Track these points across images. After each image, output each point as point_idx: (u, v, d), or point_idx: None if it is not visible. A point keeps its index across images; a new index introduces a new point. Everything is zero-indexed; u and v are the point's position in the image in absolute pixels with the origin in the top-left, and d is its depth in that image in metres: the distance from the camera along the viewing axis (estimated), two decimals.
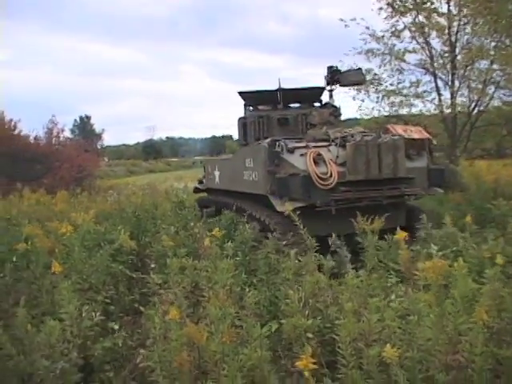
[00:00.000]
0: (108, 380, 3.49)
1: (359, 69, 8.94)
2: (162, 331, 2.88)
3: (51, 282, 4.37)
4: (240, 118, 9.52)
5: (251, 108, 9.63)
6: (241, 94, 9.50)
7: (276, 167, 6.10)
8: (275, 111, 9.22)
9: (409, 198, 6.56)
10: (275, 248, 4.69)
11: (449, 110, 15.10)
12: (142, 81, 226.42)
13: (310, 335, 3.11)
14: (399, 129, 6.86)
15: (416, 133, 6.82)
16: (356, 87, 14.96)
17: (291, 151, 6.17)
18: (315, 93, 9.41)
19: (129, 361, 3.75)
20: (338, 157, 6.15)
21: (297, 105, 9.57)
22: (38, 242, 4.92)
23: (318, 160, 6.03)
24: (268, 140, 6.38)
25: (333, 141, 6.48)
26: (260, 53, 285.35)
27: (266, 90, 9.35)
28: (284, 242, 4.89)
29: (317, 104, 9.50)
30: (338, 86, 8.79)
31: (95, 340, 3.65)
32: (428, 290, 2.98)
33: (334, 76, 8.57)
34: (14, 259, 5.06)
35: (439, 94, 15.52)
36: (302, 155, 6.11)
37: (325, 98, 9.31)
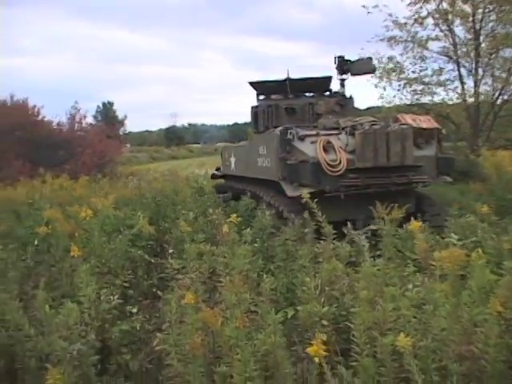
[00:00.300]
0: (125, 363, 3.54)
1: (369, 58, 8.96)
2: (177, 315, 2.91)
3: (71, 266, 4.43)
4: (252, 107, 9.76)
5: (262, 97, 9.82)
6: (251, 84, 9.72)
7: (287, 154, 6.32)
8: (284, 101, 9.43)
9: (417, 186, 6.68)
10: (293, 235, 4.72)
11: (472, 99, 14.91)
12: (164, 67, 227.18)
13: (325, 322, 3.11)
14: (408, 118, 6.95)
15: (425, 122, 6.90)
16: (373, 75, 14.91)
17: (302, 139, 6.37)
18: (323, 82, 9.55)
19: (146, 344, 3.80)
20: (347, 145, 6.30)
21: (310, 94, 9.68)
22: (58, 226, 4.98)
23: (327, 147, 6.19)
24: (280, 128, 6.57)
25: (343, 129, 6.63)
26: (283, 40, 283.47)
27: (275, 80, 9.59)
28: (306, 230, 4.92)
29: (327, 93, 9.62)
30: (349, 75, 8.88)
31: (113, 323, 3.71)
32: (445, 279, 2.96)
33: (343, 66, 8.71)
34: (36, 242, 5.14)
35: (462, 83, 15.33)
36: (312, 143, 6.29)
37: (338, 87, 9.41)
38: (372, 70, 9.19)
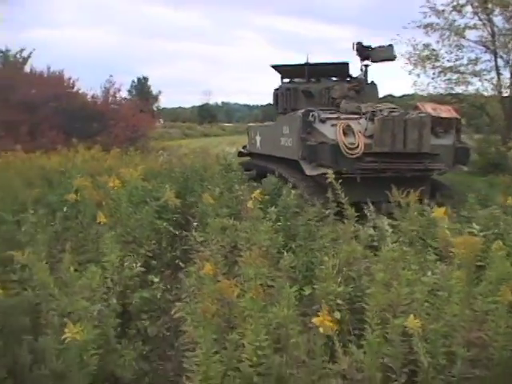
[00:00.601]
0: (144, 328, 3.66)
1: (390, 45, 8.95)
2: (196, 285, 2.99)
3: (97, 232, 4.55)
4: (274, 89, 10.14)
5: (287, 80, 10.13)
6: (273, 67, 9.98)
7: (308, 135, 6.61)
8: (304, 84, 9.67)
9: (432, 173, 6.86)
10: (315, 215, 4.78)
11: (507, 91, 14.64)
12: (200, 45, 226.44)
13: (340, 302, 3.17)
14: (428, 107, 7.13)
15: (444, 111, 7.05)
16: (407, 62, 14.89)
17: (323, 121, 6.66)
18: (341, 67, 9.75)
19: (165, 313, 3.91)
20: (366, 129, 6.53)
21: (333, 79, 9.82)
22: (87, 195, 5.11)
23: (347, 131, 6.42)
24: (303, 110, 6.85)
25: (364, 114, 6.86)
26: (321, 22, 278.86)
27: (295, 64, 9.81)
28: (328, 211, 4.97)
29: (348, 78, 9.78)
30: (370, 62, 9.06)
31: (134, 290, 3.81)
32: (463, 267, 2.98)
33: (363, 52, 8.89)
34: (65, 209, 5.29)
35: (498, 74, 15.01)
36: (332, 126, 6.54)
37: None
38: (392, 58, 9.17)
